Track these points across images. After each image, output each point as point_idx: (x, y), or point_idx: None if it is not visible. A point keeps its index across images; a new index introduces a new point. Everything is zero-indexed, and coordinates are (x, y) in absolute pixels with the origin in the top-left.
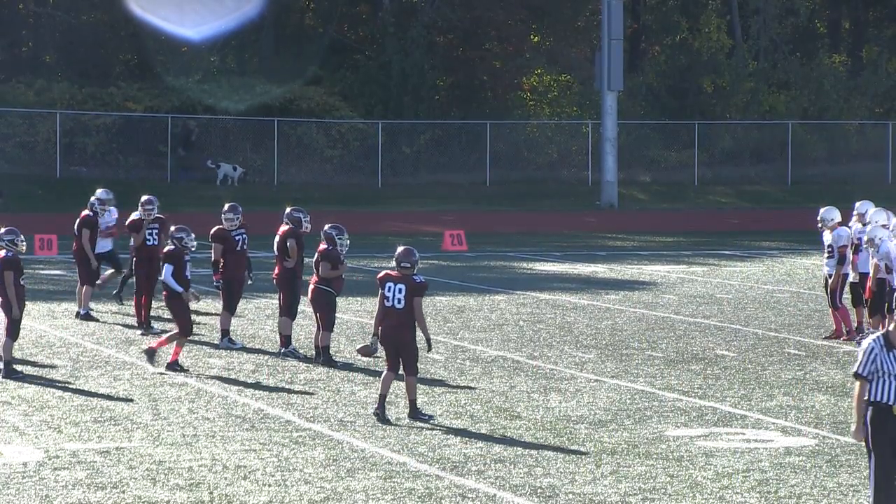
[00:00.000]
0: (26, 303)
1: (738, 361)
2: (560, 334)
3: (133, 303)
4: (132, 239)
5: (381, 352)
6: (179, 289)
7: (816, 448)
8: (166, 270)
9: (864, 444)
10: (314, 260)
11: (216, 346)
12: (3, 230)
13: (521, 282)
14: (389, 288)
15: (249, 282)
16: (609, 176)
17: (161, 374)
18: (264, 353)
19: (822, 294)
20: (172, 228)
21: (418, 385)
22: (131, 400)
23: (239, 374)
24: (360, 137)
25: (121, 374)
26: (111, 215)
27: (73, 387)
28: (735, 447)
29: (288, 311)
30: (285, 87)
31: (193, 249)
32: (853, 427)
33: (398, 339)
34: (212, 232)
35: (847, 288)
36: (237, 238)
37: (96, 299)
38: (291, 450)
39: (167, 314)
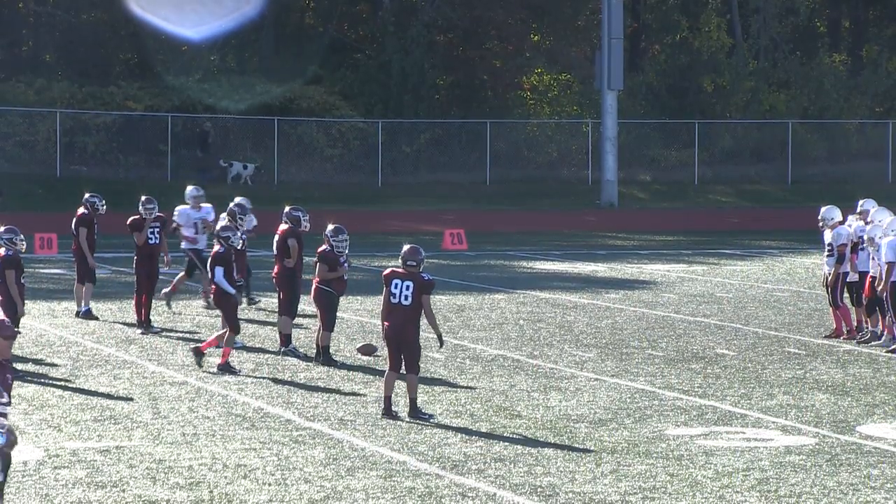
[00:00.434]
0: (26, 301)
1: (739, 360)
2: (560, 333)
3: (133, 301)
4: (135, 238)
5: (382, 350)
6: (232, 290)
7: (816, 447)
8: (218, 272)
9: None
10: (314, 261)
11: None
12: (2, 229)
13: (521, 281)
14: (396, 285)
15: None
16: (609, 175)
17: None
18: (264, 352)
19: (822, 293)
20: (218, 227)
21: (418, 384)
22: (131, 399)
23: (239, 373)
24: (360, 137)
25: (121, 372)
26: (210, 214)
27: (73, 386)
28: (735, 446)
29: (288, 310)
30: (285, 86)
31: (239, 248)
32: None
33: (402, 337)
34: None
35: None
36: (242, 237)
37: (96, 298)
38: (291, 448)
39: (166, 315)
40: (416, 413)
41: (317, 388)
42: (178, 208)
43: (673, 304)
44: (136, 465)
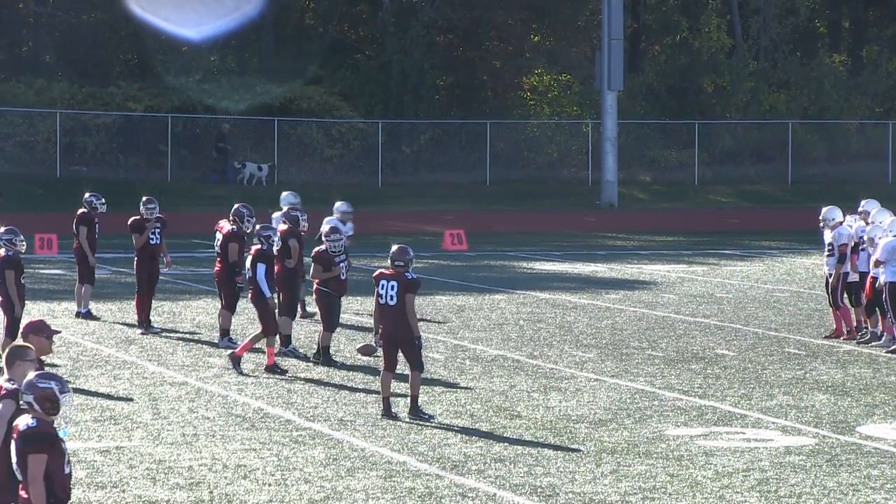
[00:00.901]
0: (26, 302)
1: (738, 361)
2: (560, 334)
3: (135, 301)
4: (133, 239)
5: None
6: (269, 293)
7: (816, 447)
8: (259, 270)
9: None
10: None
11: (216, 346)
12: (2, 230)
13: (521, 281)
14: (383, 285)
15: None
16: (609, 175)
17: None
18: (264, 352)
19: (822, 293)
20: (258, 227)
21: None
22: (131, 399)
23: (239, 374)
24: (360, 137)
25: (121, 373)
26: (350, 229)
27: (73, 386)
28: (735, 446)
29: (287, 310)
30: (285, 86)
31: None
32: None
33: (396, 336)
34: (228, 232)
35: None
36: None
37: (96, 299)
38: (291, 449)
39: (167, 315)
40: (416, 412)
41: (317, 389)
42: (328, 219)
43: (673, 304)
44: (136, 466)
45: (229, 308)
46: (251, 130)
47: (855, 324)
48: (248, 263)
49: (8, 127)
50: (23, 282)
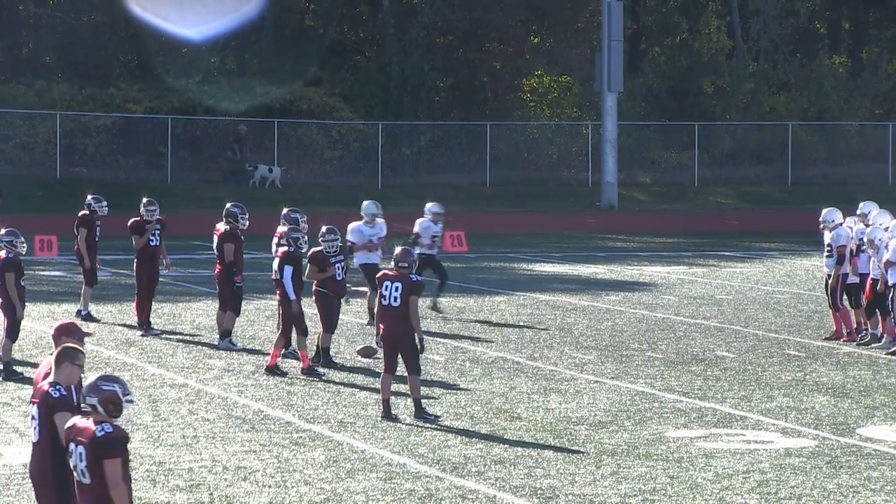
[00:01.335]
0: (26, 304)
1: (738, 363)
2: (560, 335)
3: (135, 303)
4: (133, 241)
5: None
6: (293, 296)
7: (816, 449)
8: (286, 273)
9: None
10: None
11: (216, 347)
12: (2, 231)
13: (521, 283)
14: (386, 287)
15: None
16: (609, 177)
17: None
18: (264, 354)
19: (822, 295)
20: (287, 229)
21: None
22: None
23: (239, 375)
24: (360, 138)
25: (121, 375)
26: (383, 229)
27: None
28: (735, 448)
29: None
30: (285, 88)
31: (305, 250)
32: None
33: (397, 338)
34: (223, 232)
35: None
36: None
37: (95, 301)
38: (291, 451)
39: (167, 317)
40: (421, 414)
41: (317, 391)
42: (352, 225)
43: (673, 306)
44: (136, 468)
45: (232, 309)
46: (251, 132)
47: (855, 325)
48: (275, 265)
49: (8, 128)
50: (23, 284)
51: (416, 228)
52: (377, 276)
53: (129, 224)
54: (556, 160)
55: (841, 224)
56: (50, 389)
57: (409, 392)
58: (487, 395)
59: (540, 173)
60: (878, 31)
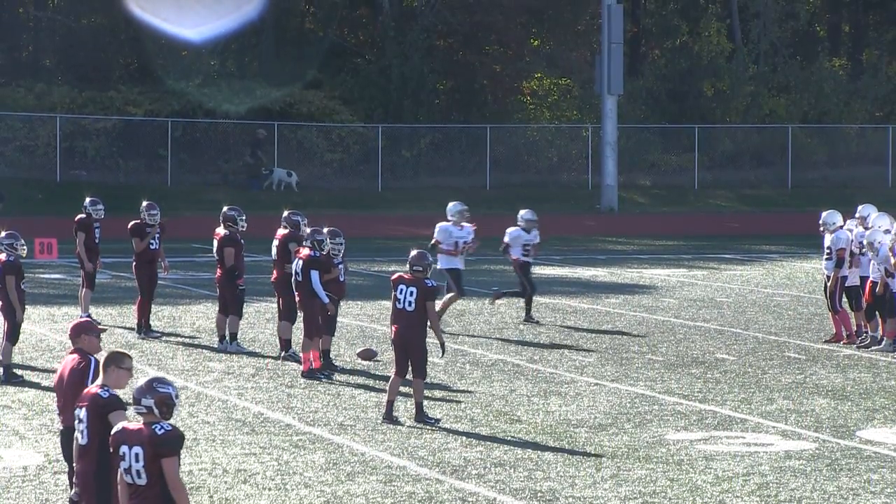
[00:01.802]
0: (26, 307)
1: (738, 365)
2: (560, 338)
3: (136, 305)
4: (133, 243)
5: (382, 355)
6: (326, 299)
7: (816, 452)
8: (314, 277)
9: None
10: None
11: (216, 350)
12: (3, 234)
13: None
14: (401, 290)
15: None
16: (609, 179)
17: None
18: (264, 356)
19: (821, 298)
20: (308, 230)
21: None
22: (131, 403)
23: (239, 378)
24: (360, 141)
25: None
26: (470, 234)
27: None
28: (735, 451)
29: (287, 315)
30: (285, 90)
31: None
32: None
33: (408, 342)
34: (223, 237)
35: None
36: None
37: (95, 303)
38: (291, 453)
39: (166, 320)
40: (422, 417)
41: (317, 393)
42: (440, 225)
43: (673, 308)
44: None
45: (234, 312)
46: (251, 134)
47: (855, 328)
48: (294, 267)
49: (8, 131)
50: (23, 287)
51: (506, 238)
52: (392, 278)
53: (129, 227)
54: (556, 163)
55: (841, 227)
56: (99, 391)
57: (410, 394)
58: (487, 398)
59: (540, 176)
60: (878, 33)
